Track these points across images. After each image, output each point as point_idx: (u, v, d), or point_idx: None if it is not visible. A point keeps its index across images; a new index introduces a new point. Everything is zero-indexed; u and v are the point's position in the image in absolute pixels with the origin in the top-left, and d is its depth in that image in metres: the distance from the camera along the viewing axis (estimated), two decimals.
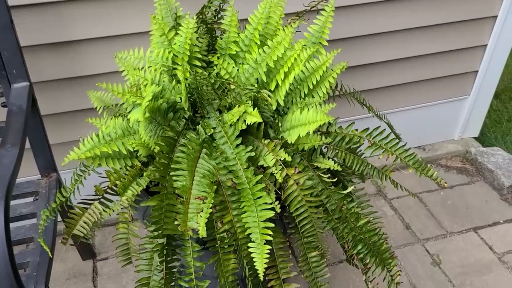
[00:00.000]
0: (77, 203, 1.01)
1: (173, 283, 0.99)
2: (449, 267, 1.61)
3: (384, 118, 1.22)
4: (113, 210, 1.07)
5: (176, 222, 0.81)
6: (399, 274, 0.97)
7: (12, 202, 1.27)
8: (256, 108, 0.89)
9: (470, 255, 1.66)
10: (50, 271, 1.07)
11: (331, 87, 1.07)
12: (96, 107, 1.23)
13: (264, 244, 0.86)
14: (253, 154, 0.91)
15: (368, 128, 1.01)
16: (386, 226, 1.76)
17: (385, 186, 1.94)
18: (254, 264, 0.86)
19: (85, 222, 0.96)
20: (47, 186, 1.30)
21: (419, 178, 1.97)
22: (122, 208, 1.05)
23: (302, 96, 1.04)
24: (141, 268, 0.99)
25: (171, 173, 0.83)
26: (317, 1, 1.18)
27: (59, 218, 1.28)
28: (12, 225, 1.16)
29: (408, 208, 1.84)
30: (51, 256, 1.08)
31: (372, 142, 0.99)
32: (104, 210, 1.05)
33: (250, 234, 0.88)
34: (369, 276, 1.01)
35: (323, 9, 1.09)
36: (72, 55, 1.39)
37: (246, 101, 0.92)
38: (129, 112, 1.02)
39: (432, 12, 1.66)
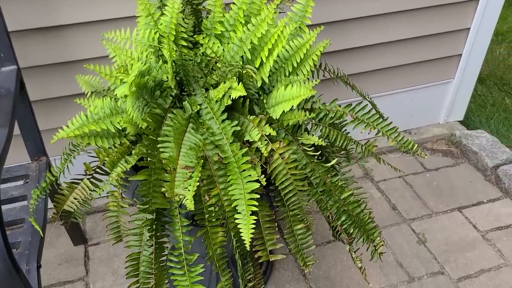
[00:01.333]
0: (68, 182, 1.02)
1: (163, 258, 1.01)
2: (434, 245, 1.66)
3: (368, 97, 1.25)
4: (103, 190, 1.09)
5: (163, 189, 0.83)
6: (382, 245, 1.01)
7: (3, 185, 1.28)
8: (240, 83, 0.91)
9: (454, 233, 1.70)
10: (41, 250, 1.09)
11: (315, 65, 1.10)
12: (84, 91, 1.24)
13: (250, 215, 0.88)
14: (238, 128, 0.93)
15: (351, 104, 1.04)
16: (373, 207, 1.80)
17: (372, 169, 1.97)
18: (241, 234, 0.88)
19: (75, 199, 0.98)
20: (37, 169, 1.31)
21: (405, 161, 2.02)
22: (111, 187, 1.07)
23: (287, 74, 1.07)
24: (131, 244, 1.01)
25: (158, 146, 0.85)
26: None
27: (50, 205, 1.30)
28: (4, 207, 1.18)
29: (394, 190, 1.88)
30: (42, 235, 1.10)
31: (355, 117, 1.01)
32: (94, 190, 1.07)
33: (236, 206, 0.90)
34: (353, 247, 1.04)
35: None
36: (59, 40, 1.40)
37: (231, 77, 0.94)
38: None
39: None
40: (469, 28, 1.86)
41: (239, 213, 0.89)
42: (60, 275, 1.55)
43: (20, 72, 1.23)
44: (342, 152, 1.27)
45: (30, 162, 1.34)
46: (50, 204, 1.27)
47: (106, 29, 1.39)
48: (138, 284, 1.01)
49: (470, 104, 2.35)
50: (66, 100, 1.49)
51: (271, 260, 0.97)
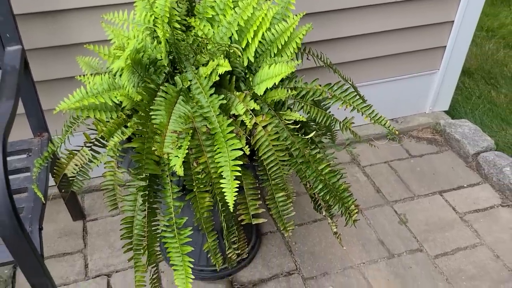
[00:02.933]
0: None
1: (154, 222, 1.10)
2: (414, 225, 1.75)
3: (350, 81, 1.34)
4: (100, 161, 1.18)
5: (153, 148, 0.92)
6: (357, 212, 1.09)
7: (7, 158, 1.37)
8: (227, 60, 1.00)
9: (434, 215, 1.79)
10: (43, 215, 1.18)
11: (299, 48, 1.19)
12: (84, 72, 1.32)
13: (234, 180, 0.97)
14: (224, 101, 1.02)
15: (330, 83, 1.12)
16: (359, 190, 1.89)
17: (359, 155, 2.06)
18: (225, 198, 0.97)
19: (76, 165, 1.07)
20: (39, 144, 1.40)
21: (391, 148, 2.11)
22: (108, 158, 1.16)
23: (272, 56, 1.15)
24: (126, 208, 1.10)
25: (150, 114, 0.94)
26: None
27: (51, 183, 1.38)
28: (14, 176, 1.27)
29: (379, 174, 1.97)
30: (43, 202, 1.19)
31: (333, 95, 1.10)
32: (92, 160, 1.16)
33: (222, 172, 0.99)
34: (330, 213, 1.13)
35: None
36: (60, 24, 1.48)
37: (219, 55, 1.03)
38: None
39: None
40: (453, 21, 1.94)
41: (224, 178, 0.98)
42: (59, 248, 1.64)
43: (25, 52, 1.31)
44: (327, 134, 1.37)
45: (33, 137, 1.43)
46: (51, 182, 1.36)
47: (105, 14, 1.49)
48: (132, 245, 1.11)
49: (456, 96, 2.44)
50: (66, 82, 1.58)
51: (253, 223, 1.06)
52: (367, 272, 1.58)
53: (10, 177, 1.30)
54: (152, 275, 1.15)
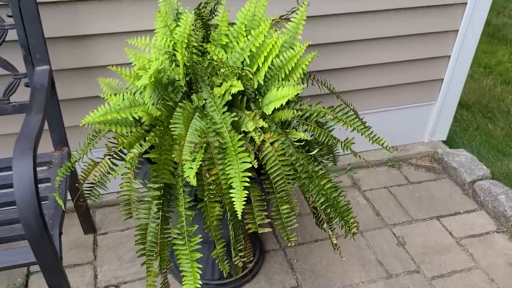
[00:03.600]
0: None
1: (167, 230, 1.18)
2: (412, 247, 1.81)
3: (351, 105, 1.44)
4: (118, 173, 1.27)
5: (173, 155, 1.01)
6: (356, 226, 1.17)
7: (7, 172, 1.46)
8: (239, 81, 1.11)
9: (431, 238, 1.86)
10: (63, 221, 1.26)
11: (305, 74, 1.30)
12: (105, 92, 1.43)
13: (243, 190, 1.06)
14: (236, 118, 1.12)
15: (332, 106, 1.23)
16: (359, 213, 1.96)
17: (359, 180, 2.14)
18: (234, 206, 1.05)
19: (97, 172, 1.16)
20: (59, 157, 1.49)
21: (391, 175, 2.19)
22: (125, 170, 1.25)
23: (280, 80, 1.26)
24: (141, 216, 1.18)
25: (170, 126, 1.03)
26: (296, 7, 1.42)
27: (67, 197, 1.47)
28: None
29: (379, 199, 2.04)
30: (63, 209, 1.27)
31: (335, 116, 1.20)
32: (109, 172, 1.25)
33: (232, 183, 1.08)
34: (331, 227, 1.20)
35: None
36: (85, 48, 1.61)
37: (232, 77, 1.13)
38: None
39: (403, 24, 1.90)
40: (450, 56, 2.06)
41: (234, 188, 1.07)
42: (70, 259, 1.71)
43: (52, 71, 1.43)
44: (329, 155, 1.46)
45: (54, 151, 1.52)
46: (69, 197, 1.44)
47: (125, 40, 1.61)
48: (145, 251, 1.18)
49: (454, 127, 2.55)
50: (87, 101, 1.69)
51: (259, 232, 1.14)
52: None
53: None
54: (163, 281, 1.22)
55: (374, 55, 1.96)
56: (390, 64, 2.01)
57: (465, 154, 2.22)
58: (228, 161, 1.10)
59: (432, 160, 2.28)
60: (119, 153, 1.25)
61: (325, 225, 1.19)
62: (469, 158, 2.18)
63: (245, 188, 1.06)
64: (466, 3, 1.92)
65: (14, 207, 1.34)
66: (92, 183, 1.25)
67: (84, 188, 1.27)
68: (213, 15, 1.37)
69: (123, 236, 1.81)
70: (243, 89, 1.10)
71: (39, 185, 1.38)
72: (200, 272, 1.15)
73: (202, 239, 1.15)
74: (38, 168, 1.45)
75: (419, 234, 1.88)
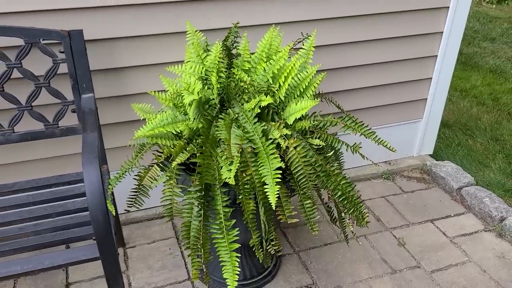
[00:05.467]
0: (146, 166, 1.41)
1: (207, 226, 1.38)
2: (411, 247, 2.02)
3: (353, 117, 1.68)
4: (158, 182, 1.47)
5: (222, 150, 1.22)
6: (368, 215, 1.39)
7: (76, 185, 1.65)
8: (268, 96, 1.34)
9: (428, 238, 2.08)
10: (113, 224, 1.45)
11: (316, 92, 1.54)
12: (139, 115, 1.65)
13: (275, 185, 1.27)
14: (265, 127, 1.34)
15: (342, 116, 1.46)
16: None
17: (359, 191, 2.36)
18: (268, 199, 1.26)
19: (150, 177, 1.36)
20: (102, 173, 1.69)
21: (386, 186, 2.42)
22: (167, 178, 1.45)
23: (296, 97, 1.50)
24: (184, 215, 1.38)
25: (216, 132, 1.25)
26: (302, 37, 1.68)
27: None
28: (79, 199, 1.55)
29: (378, 207, 2.27)
30: (114, 214, 1.46)
31: (344, 124, 1.44)
32: (152, 181, 1.45)
33: (264, 180, 1.29)
34: (346, 216, 1.42)
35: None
36: (118, 78, 1.83)
37: (261, 94, 1.37)
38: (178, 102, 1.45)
39: (386, 51, 2.19)
40: (431, 78, 2.35)
41: (267, 184, 1.28)
42: None
43: (95, 98, 1.64)
44: (335, 163, 1.69)
45: None
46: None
47: (153, 71, 1.85)
48: (189, 245, 1.37)
49: (439, 144, 2.81)
50: (118, 126, 1.90)
51: (288, 222, 1.34)
52: (375, 285, 1.83)
53: (81, 198, 1.59)
54: (205, 271, 1.41)
55: (368, 79, 2.23)
56: (382, 86, 2.28)
57: (451, 165, 2.47)
58: (260, 163, 1.31)
59: (422, 171, 2.53)
60: (164, 161, 1.45)
61: (343, 215, 1.40)
62: (455, 168, 2.44)
63: (277, 183, 1.27)
64: (442, 32, 2.23)
65: (73, 214, 1.53)
66: (136, 190, 1.45)
67: (128, 198, 1.46)
68: (235, 46, 1.62)
69: (151, 249, 1.99)
70: (272, 101, 1.33)
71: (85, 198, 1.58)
72: (238, 260, 1.34)
73: (238, 237, 1.34)
74: (83, 184, 1.65)
75: (416, 235, 2.09)
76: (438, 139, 2.79)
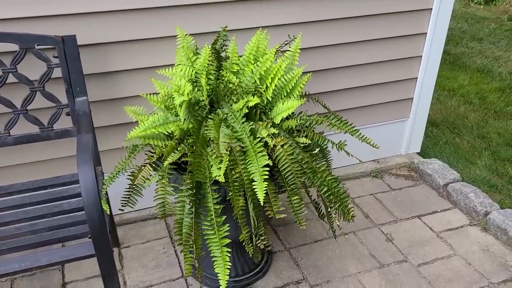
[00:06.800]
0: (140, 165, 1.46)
1: (199, 223, 1.43)
2: (399, 242, 2.08)
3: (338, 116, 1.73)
4: (151, 181, 1.52)
5: (213, 151, 1.27)
6: (353, 210, 1.44)
7: (71, 186, 1.70)
8: (255, 96, 1.39)
9: (415, 234, 2.14)
10: (108, 223, 1.49)
11: (302, 92, 1.60)
12: (131, 117, 1.70)
13: (263, 181, 1.32)
14: (253, 126, 1.40)
15: (327, 115, 1.52)
16: None
17: (348, 188, 2.43)
18: (257, 195, 1.32)
19: (142, 176, 1.41)
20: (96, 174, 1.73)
21: (375, 184, 2.48)
22: (160, 177, 1.50)
23: (283, 97, 1.56)
24: (177, 212, 1.43)
25: (205, 132, 1.31)
26: (288, 40, 1.74)
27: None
28: (74, 199, 1.60)
29: (366, 204, 2.32)
30: (108, 213, 1.51)
31: (330, 123, 1.49)
32: (145, 180, 1.50)
33: (253, 178, 1.35)
34: (334, 210, 1.47)
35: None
36: (111, 82, 1.88)
37: (248, 95, 1.42)
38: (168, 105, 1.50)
39: (372, 53, 2.26)
40: (417, 78, 2.42)
41: (255, 181, 1.34)
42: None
43: (89, 102, 1.69)
44: (323, 160, 1.74)
45: None
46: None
47: (144, 74, 1.90)
48: (182, 241, 1.42)
49: (426, 142, 2.88)
50: (111, 128, 1.95)
51: (276, 217, 1.40)
52: (363, 279, 1.89)
53: (75, 199, 1.63)
54: (197, 267, 1.46)
55: (356, 79, 2.29)
56: (369, 86, 2.34)
57: (437, 162, 2.54)
58: (249, 161, 1.37)
59: (409, 169, 2.60)
60: (157, 161, 1.50)
61: (326, 212, 1.46)
62: (441, 165, 2.50)
63: (265, 180, 1.33)
64: (426, 33, 2.29)
65: (69, 214, 1.57)
66: (129, 190, 1.49)
67: (122, 198, 1.51)
68: (224, 49, 1.67)
69: (145, 248, 2.03)
70: (259, 102, 1.39)
71: (80, 199, 1.63)
72: (229, 255, 1.39)
73: (228, 232, 1.40)
74: (78, 185, 1.70)
75: (404, 231, 2.15)
76: (425, 138, 2.86)
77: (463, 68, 4.16)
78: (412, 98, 2.48)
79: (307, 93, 1.69)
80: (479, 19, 5.66)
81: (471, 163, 2.70)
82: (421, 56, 2.36)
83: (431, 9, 2.24)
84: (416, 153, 2.70)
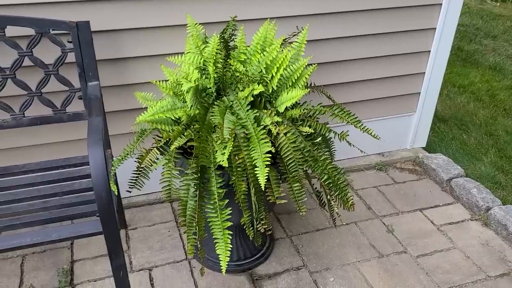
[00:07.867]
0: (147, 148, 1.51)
1: (202, 206, 1.48)
2: (399, 233, 2.12)
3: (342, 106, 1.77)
4: (158, 164, 1.57)
5: (217, 135, 1.32)
6: (352, 198, 1.48)
7: (82, 167, 1.76)
8: (260, 85, 1.44)
9: (415, 226, 2.17)
10: (116, 203, 1.55)
11: (307, 83, 1.64)
12: (141, 103, 1.75)
13: (265, 167, 1.37)
14: (258, 114, 1.44)
15: (331, 105, 1.56)
16: None
17: (352, 180, 2.46)
18: (258, 180, 1.36)
19: (149, 159, 1.46)
20: (106, 157, 1.79)
21: (379, 176, 2.52)
22: (166, 161, 1.55)
23: (288, 87, 1.60)
24: (181, 195, 1.48)
25: (210, 117, 1.36)
26: (299, 30, 1.77)
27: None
28: (84, 180, 1.66)
29: (370, 196, 2.36)
30: (116, 194, 1.57)
31: (333, 113, 1.53)
32: (152, 163, 1.55)
33: (255, 164, 1.39)
34: (332, 198, 1.51)
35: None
36: (121, 68, 1.93)
37: (254, 83, 1.47)
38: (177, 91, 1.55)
39: (381, 46, 2.28)
40: (424, 72, 2.44)
41: (257, 167, 1.38)
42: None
43: (100, 86, 1.75)
44: (326, 151, 1.78)
45: None
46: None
47: (154, 61, 1.95)
48: (186, 223, 1.48)
49: (433, 138, 2.90)
50: (121, 114, 2.01)
51: (277, 202, 1.45)
52: (362, 268, 1.93)
53: (86, 179, 1.70)
54: (199, 247, 1.51)
55: (363, 72, 2.32)
56: (377, 80, 2.37)
57: (442, 157, 2.56)
58: (252, 147, 1.41)
59: (414, 163, 2.62)
60: (164, 146, 1.56)
61: (326, 199, 1.50)
62: (446, 161, 2.52)
63: (266, 166, 1.37)
64: (435, 28, 2.31)
65: (79, 194, 1.64)
66: (137, 172, 1.55)
67: (129, 179, 1.57)
68: (233, 38, 1.71)
69: (151, 231, 2.10)
70: (263, 90, 1.43)
71: (90, 179, 1.69)
72: (230, 237, 1.45)
73: (231, 210, 1.45)
74: (88, 167, 1.76)
75: (405, 223, 2.19)
76: (432, 133, 2.88)
77: (475, 65, 4.15)
78: (419, 93, 2.50)
79: (313, 84, 1.73)
80: (494, 16, 5.61)
81: (477, 159, 2.72)
82: (430, 51, 2.38)
83: (441, 4, 2.25)
84: (422, 147, 2.72)
